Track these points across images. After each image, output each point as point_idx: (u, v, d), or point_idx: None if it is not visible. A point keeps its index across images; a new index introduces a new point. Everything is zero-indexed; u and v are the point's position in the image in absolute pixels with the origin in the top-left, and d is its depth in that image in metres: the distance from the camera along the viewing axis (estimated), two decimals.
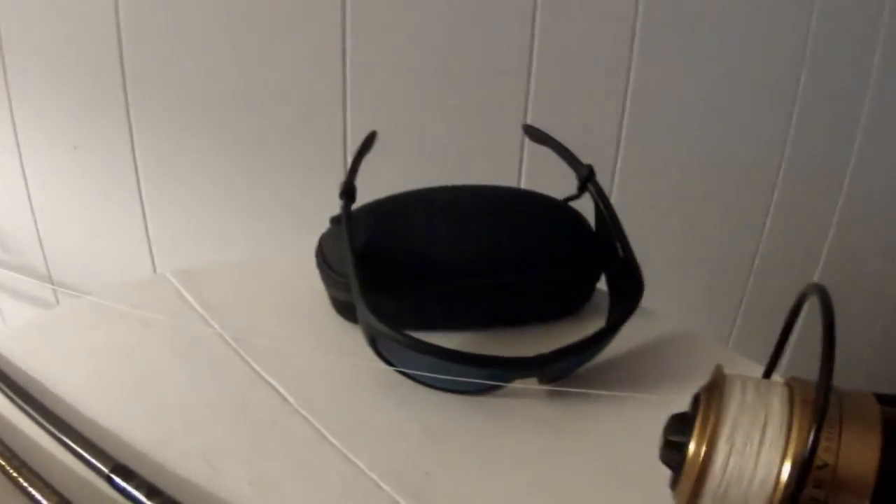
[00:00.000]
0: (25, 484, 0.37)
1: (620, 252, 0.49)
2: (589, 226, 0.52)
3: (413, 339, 0.39)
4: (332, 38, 0.82)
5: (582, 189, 0.52)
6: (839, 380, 0.32)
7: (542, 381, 0.44)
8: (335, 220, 0.51)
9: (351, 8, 0.80)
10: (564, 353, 0.42)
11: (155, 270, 0.97)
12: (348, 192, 0.46)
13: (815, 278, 1.10)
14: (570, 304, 0.52)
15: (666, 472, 0.33)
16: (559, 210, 0.52)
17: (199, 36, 0.83)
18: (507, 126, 0.84)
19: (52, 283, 1.01)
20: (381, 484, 0.38)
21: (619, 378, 0.46)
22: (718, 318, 1.10)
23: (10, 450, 0.39)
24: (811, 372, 0.34)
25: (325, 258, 0.50)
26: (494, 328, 0.51)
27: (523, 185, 0.87)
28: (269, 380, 0.46)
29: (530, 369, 0.42)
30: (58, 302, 1.03)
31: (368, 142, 0.51)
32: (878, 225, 1.10)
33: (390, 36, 0.83)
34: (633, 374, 0.47)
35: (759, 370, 0.40)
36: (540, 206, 0.52)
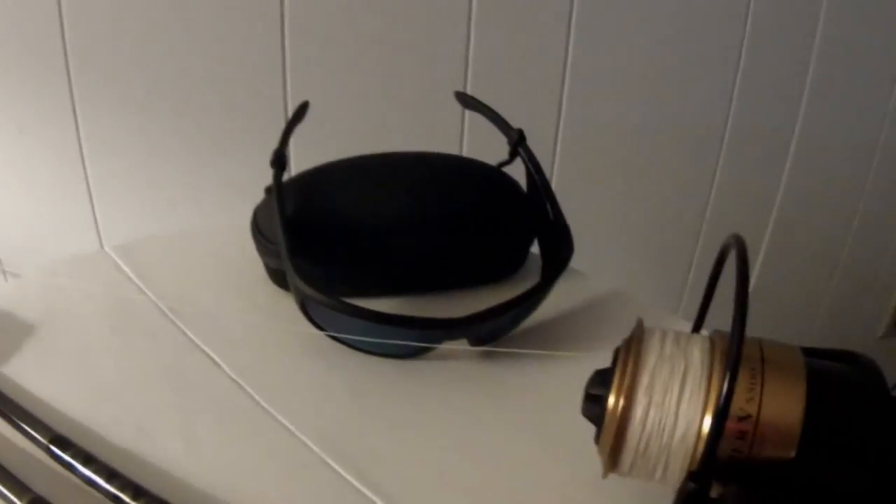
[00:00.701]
0: None
1: (551, 215, 0.49)
2: (521, 190, 0.52)
3: (341, 301, 0.39)
4: (270, 8, 0.81)
5: (513, 154, 0.51)
6: (788, 339, 0.33)
7: (472, 342, 0.44)
8: (269, 190, 0.51)
9: None
10: (493, 312, 0.42)
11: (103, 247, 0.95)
12: (279, 161, 0.46)
13: (763, 244, 1.11)
14: (502, 269, 0.52)
15: (591, 428, 0.33)
16: (491, 174, 0.52)
17: (138, 11, 0.82)
18: (447, 95, 0.83)
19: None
20: (312, 446, 0.38)
21: (550, 339, 0.46)
22: (668, 286, 1.11)
23: None
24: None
25: (258, 227, 0.49)
26: (426, 293, 0.50)
27: (464, 154, 0.87)
28: (203, 347, 0.45)
29: (460, 330, 0.42)
30: (6, 280, 1.01)
31: (300, 112, 0.50)
32: (825, 189, 1.11)
33: (329, 4, 0.82)
34: (565, 335, 0.47)
35: (681, 324, 0.40)
36: (472, 171, 0.52)
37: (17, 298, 0.52)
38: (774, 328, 0.39)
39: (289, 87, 0.83)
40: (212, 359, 0.44)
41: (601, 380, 0.34)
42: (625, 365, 0.32)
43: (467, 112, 0.82)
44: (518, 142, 0.50)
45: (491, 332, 0.43)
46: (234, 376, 0.43)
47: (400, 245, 0.47)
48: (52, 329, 0.48)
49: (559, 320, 0.48)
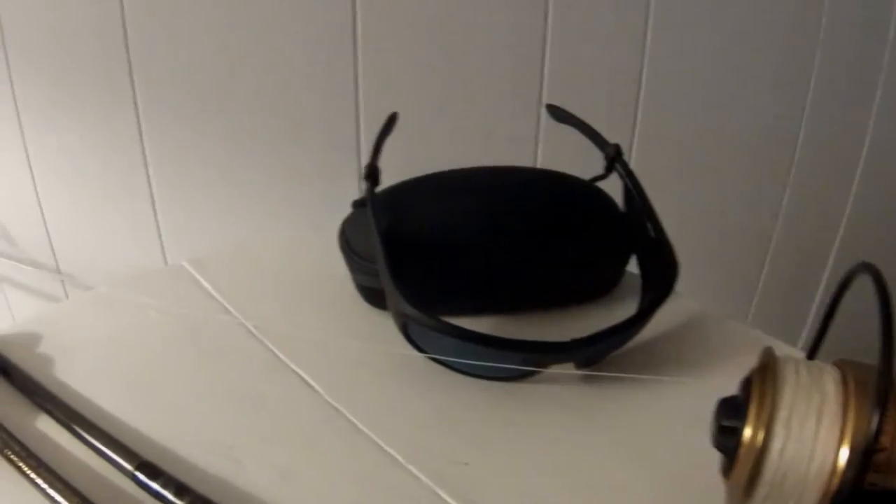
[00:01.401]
0: (44, 484, 0.36)
1: (651, 233, 0.47)
2: (617, 206, 0.50)
3: (451, 325, 0.38)
4: (343, 21, 0.80)
5: (609, 169, 0.50)
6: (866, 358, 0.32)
7: (577, 366, 0.42)
8: (358, 204, 0.50)
9: None
10: (602, 336, 0.41)
11: (166, 264, 0.96)
12: (373, 175, 0.45)
13: (831, 259, 1.09)
14: (599, 287, 0.51)
15: (702, 457, 0.33)
16: (587, 191, 0.51)
17: (206, 23, 0.82)
18: (521, 107, 0.83)
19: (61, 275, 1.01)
20: (418, 474, 0.38)
21: (649, 361, 0.46)
22: (735, 298, 1.10)
23: (25, 448, 0.38)
24: (844, 352, 0.33)
25: (349, 243, 0.49)
26: (522, 312, 0.50)
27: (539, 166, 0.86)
28: (296, 369, 0.45)
29: (568, 354, 0.41)
30: (67, 297, 1.02)
31: (390, 123, 0.49)
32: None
33: (402, 16, 0.81)
34: (664, 357, 0.46)
35: (793, 352, 0.39)
36: (567, 187, 0.51)
37: (93, 314, 0.52)
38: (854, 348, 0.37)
39: (360, 99, 0.83)
40: (305, 381, 0.44)
41: (732, 410, 0.33)
42: (762, 396, 0.32)
43: (542, 125, 0.81)
44: (615, 157, 0.48)
45: (595, 354, 0.42)
46: (330, 400, 0.43)
47: (497, 262, 0.47)
48: (133, 348, 0.48)
49: (655, 341, 0.47)
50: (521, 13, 0.83)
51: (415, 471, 0.38)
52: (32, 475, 0.36)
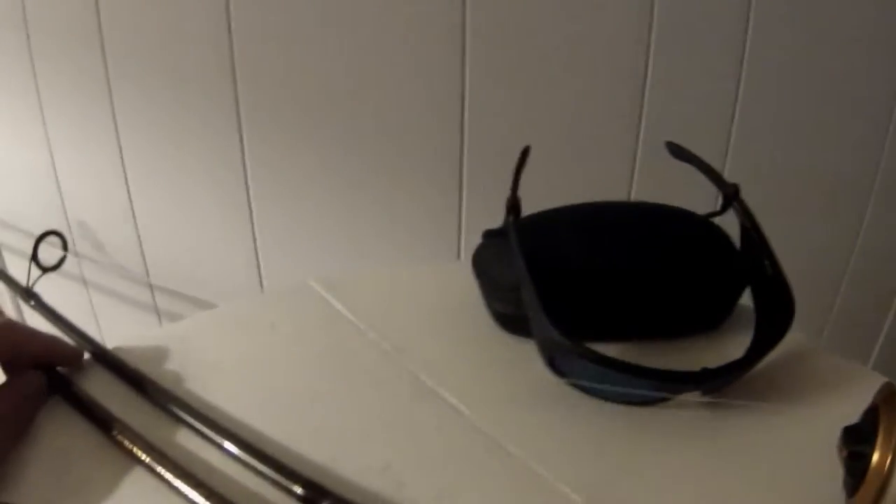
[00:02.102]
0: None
1: (768, 270, 0.51)
2: (732, 242, 0.55)
3: (601, 354, 0.43)
4: (450, 55, 0.84)
5: (725, 207, 0.55)
6: None
7: (704, 392, 0.47)
8: (491, 234, 0.55)
9: (471, 8, 0.83)
10: (733, 367, 0.46)
11: (261, 282, 1.00)
12: (515, 208, 0.50)
13: None
14: (713, 318, 0.56)
15: (826, 483, 0.40)
16: (705, 226, 0.55)
17: (311, 39, 0.86)
18: (617, 137, 0.87)
19: (151, 288, 1.05)
20: (571, 494, 0.42)
21: (763, 390, 0.50)
22: (808, 322, 1.12)
23: (193, 476, 0.41)
24: None
25: (486, 272, 0.53)
26: (642, 340, 0.55)
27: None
28: (441, 392, 0.50)
29: (702, 383, 0.45)
30: (160, 321, 1.05)
31: (524, 156, 0.54)
32: None
33: (510, 39, 0.85)
34: (775, 387, 0.51)
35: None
36: (687, 223, 0.56)
37: (222, 332, 0.56)
38: None
39: (466, 133, 0.87)
40: (451, 404, 0.49)
41: (858, 437, 0.39)
42: (889, 424, 0.36)
43: (638, 161, 0.85)
44: (735, 195, 0.53)
45: (722, 384, 0.46)
46: (477, 422, 0.47)
47: (624, 293, 0.53)
48: (271, 367, 0.52)
49: (766, 372, 0.51)
50: (623, 52, 0.86)
51: (566, 489, 0.42)
52: (193, 494, 0.40)
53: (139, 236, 1.02)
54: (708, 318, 0.57)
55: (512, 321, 0.54)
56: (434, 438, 0.46)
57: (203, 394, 0.49)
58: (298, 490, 0.39)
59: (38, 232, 0.57)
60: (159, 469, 0.41)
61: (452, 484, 0.42)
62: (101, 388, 0.49)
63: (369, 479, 0.42)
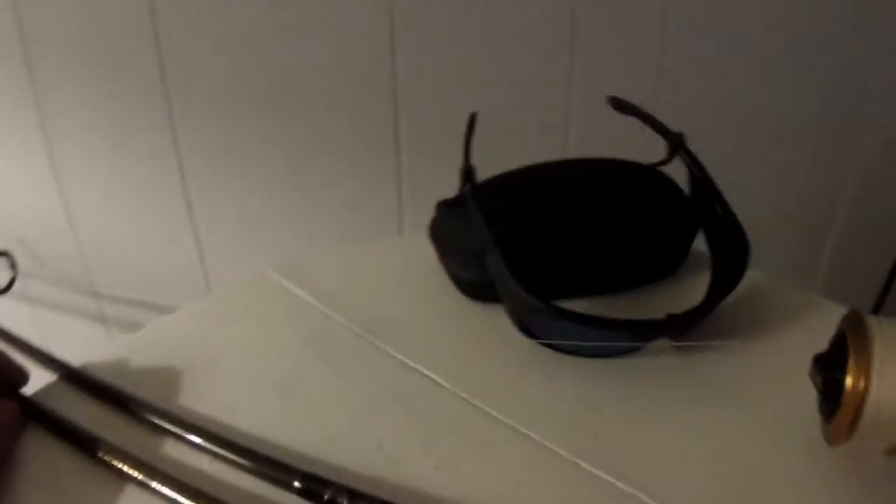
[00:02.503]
0: None
1: (720, 211, 0.53)
2: (681, 189, 0.56)
3: (572, 311, 0.45)
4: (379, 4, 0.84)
5: (671, 155, 0.56)
6: None
7: (672, 338, 0.48)
8: (446, 204, 0.56)
9: None
10: (698, 311, 0.48)
11: (206, 277, 0.99)
12: (470, 175, 0.51)
13: None
14: (668, 266, 0.57)
15: (803, 410, 0.42)
16: (653, 176, 0.57)
17: (236, 19, 0.84)
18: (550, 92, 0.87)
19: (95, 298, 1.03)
20: (560, 451, 0.43)
21: (727, 329, 0.51)
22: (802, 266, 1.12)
23: (188, 486, 0.40)
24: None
25: (446, 241, 0.54)
26: (601, 294, 0.56)
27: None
28: (417, 367, 0.50)
29: (670, 329, 0.47)
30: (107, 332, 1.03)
31: (472, 123, 0.54)
32: None
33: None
34: (737, 325, 0.52)
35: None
36: (635, 173, 0.58)
37: (192, 329, 0.56)
38: None
39: (399, 102, 0.86)
40: (429, 377, 0.50)
41: (829, 363, 0.41)
42: (857, 349, 0.39)
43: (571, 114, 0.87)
44: (680, 144, 0.54)
45: (687, 329, 0.48)
46: (459, 392, 0.48)
47: (579, 248, 0.54)
48: (247, 360, 0.52)
49: (727, 312, 0.52)
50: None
51: (554, 447, 0.44)
52: None
53: (79, 246, 1.00)
54: (665, 265, 0.58)
55: (477, 288, 0.55)
56: (420, 413, 0.47)
57: (182, 400, 0.48)
58: (297, 483, 0.39)
59: None
60: (154, 484, 0.41)
61: (447, 454, 0.43)
62: (76, 409, 0.47)
63: (365, 460, 0.42)
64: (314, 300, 0.58)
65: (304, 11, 0.85)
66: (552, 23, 0.88)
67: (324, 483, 0.39)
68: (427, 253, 0.60)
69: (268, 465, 0.41)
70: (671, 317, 0.48)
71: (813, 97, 0.97)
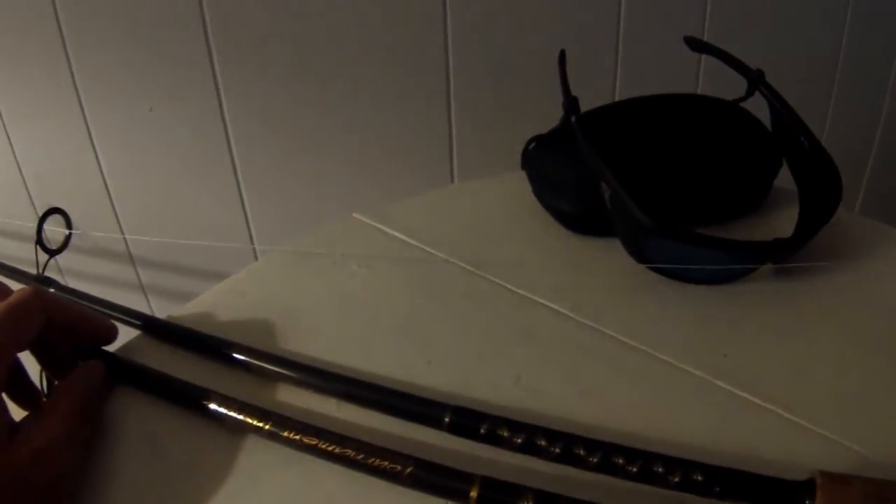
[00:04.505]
0: (376, 462, 0.37)
1: (805, 144, 0.56)
2: (763, 123, 0.59)
3: (702, 234, 0.47)
4: None
5: (750, 92, 0.59)
6: None
7: (775, 262, 0.52)
8: (540, 139, 0.58)
9: None
10: (805, 234, 0.51)
11: (254, 242, 0.98)
12: (573, 104, 0.53)
13: None
14: (755, 198, 0.61)
15: None
16: (738, 111, 0.60)
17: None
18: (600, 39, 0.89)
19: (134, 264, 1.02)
20: (694, 371, 0.45)
21: (821, 255, 0.54)
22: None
23: (330, 432, 0.39)
24: None
25: (547, 174, 0.57)
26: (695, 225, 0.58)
27: None
28: (535, 298, 0.52)
29: (782, 252, 0.51)
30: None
31: (563, 59, 0.56)
32: None
33: None
34: (830, 249, 0.55)
35: None
36: (720, 109, 0.60)
37: (283, 277, 0.55)
38: None
39: (450, 54, 0.88)
40: (551, 308, 0.51)
41: None
42: None
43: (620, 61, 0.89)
44: (759, 79, 0.57)
45: (790, 253, 0.51)
46: (586, 321, 0.49)
47: (676, 181, 0.57)
48: (357, 306, 0.52)
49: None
50: None
51: (687, 367, 0.46)
52: (361, 458, 0.37)
53: (117, 214, 1.00)
54: (751, 199, 0.61)
55: (579, 219, 0.57)
56: (548, 342, 0.48)
57: (295, 347, 0.47)
58: (448, 419, 0.39)
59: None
60: (286, 433, 0.39)
61: (587, 381, 0.45)
62: (165, 364, 0.46)
63: (506, 394, 0.43)
64: (413, 241, 0.58)
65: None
66: None
67: (479, 416, 0.38)
68: (514, 191, 0.61)
69: (412, 402, 0.41)
70: (778, 240, 0.51)
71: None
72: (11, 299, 0.40)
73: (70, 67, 0.90)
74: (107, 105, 0.93)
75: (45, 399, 0.45)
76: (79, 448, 0.40)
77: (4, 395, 0.39)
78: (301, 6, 0.88)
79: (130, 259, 1.05)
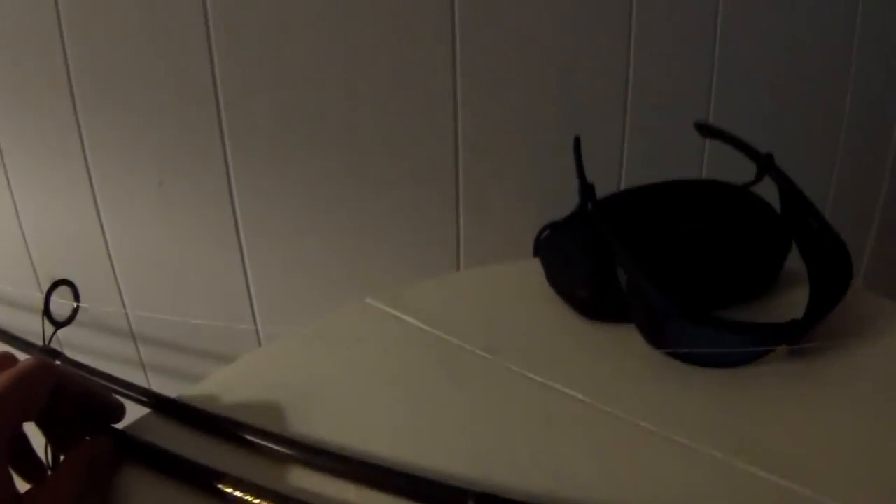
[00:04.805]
0: None
1: (814, 225, 0.57)
2: (772, 207, 0.60)
3: (723, 318, 0.47)
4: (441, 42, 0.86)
5: (761, 175, 0.60)
6: None
7: (790, 344, 0.52)
8: (554, 226, 0.59)
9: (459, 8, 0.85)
10: (817, 314, 0.52)
11: (256, 324, 0.98)
12: (590, 192, 0.54)
13: None
14: (764, 281, 0.61)
15: None
16: (747, 196, 0.61)
17: (295, 51, 0.86)
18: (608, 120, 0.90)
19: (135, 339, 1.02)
20: (715, 453, 0.45)
21: (830, 334, 0.55)
22: None
23: None
24: None
25: (562, 262, 0.57)
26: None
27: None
28: (551, 384, 0.52)
29: (796, 333, 0.51)
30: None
31: (578, 146, 0.57)
32: None
33: (502, 34, 0.87)
34: (837, 328, 0.55)
35: None
36: (729, 194, 0.61)
37: (294, 359, 0.55)
38: None
39: (460, 143, 0.89)
40: (568, 395, 0.51)
41: None
42: None
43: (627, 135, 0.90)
44: (768, 164, 0.58)
45: (804, 333, 0.52)
46: (604, 407, 0.50)
47: (688, 266, 0.58)
48: (376, 390, 0.52)
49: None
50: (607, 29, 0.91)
51: (709, 450, 0.46)
52: None
53: (120, 288, 1.00)
54: (761, 282, 0.62)
55: (593, 305, 0.58)
56: (566, 427, 0.48)
57: (298, 429, 0.47)
58: None
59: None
60: None
61: (608, 466, 0.45)
62: (174, 443, 0.45)
63: (526, 478, 0.43)
64: (427, 326, 0.58)
65: (360, 43, 0.87)
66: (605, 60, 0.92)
67: (503, 502, 0.39)
68: (525, 277, 0.62)
69: (434, 488, 0.40)
70: (794, 321, 0.52)
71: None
72: (18, 369, 0.39)
73: (81, 140, 0.91)
74: (115, 179, 0.93)
75: (49, 472, 0.44)
76: None
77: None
78: (315, 92, 0.89)
79: (131, 335, 1.05)
